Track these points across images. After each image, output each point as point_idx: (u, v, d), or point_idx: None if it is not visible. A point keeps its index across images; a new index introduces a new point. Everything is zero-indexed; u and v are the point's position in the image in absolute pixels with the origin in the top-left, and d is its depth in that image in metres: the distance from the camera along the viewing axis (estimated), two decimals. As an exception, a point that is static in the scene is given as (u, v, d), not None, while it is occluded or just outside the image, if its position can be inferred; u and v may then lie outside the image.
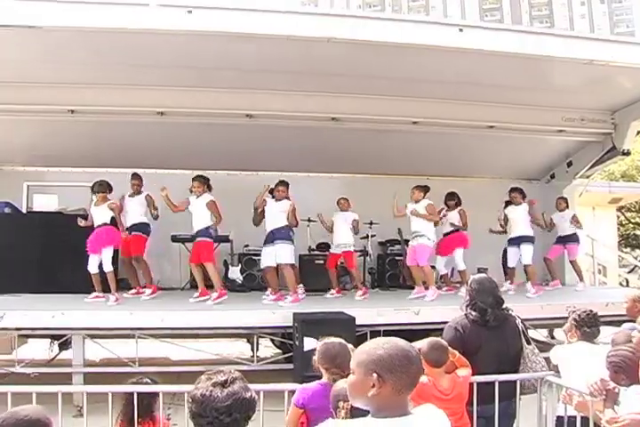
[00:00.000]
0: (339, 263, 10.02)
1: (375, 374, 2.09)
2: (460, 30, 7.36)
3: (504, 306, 4.60)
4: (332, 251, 10.05)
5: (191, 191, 8.68)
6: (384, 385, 2.07)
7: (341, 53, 7.70)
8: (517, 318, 4.63)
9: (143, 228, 9.12)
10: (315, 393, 3.61)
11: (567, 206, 11.09)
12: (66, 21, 6.63)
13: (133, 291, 9.20)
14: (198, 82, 8.87)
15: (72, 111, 9.23)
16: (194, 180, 8.72)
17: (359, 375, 2.15)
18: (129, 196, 9.23)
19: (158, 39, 7.26)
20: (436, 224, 9.55)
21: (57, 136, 9.94)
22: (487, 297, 4.50)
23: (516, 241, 10.00)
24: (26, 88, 8.67)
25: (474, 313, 4.46)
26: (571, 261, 11.21)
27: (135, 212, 9.19)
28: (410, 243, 9.47)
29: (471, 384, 4.14)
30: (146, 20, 6.70)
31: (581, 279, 11.14)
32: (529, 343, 4.57)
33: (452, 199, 10.17)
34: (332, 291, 9.83)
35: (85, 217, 8.85)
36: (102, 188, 8.64)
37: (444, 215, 9.98)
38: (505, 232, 10.34)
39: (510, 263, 10.22)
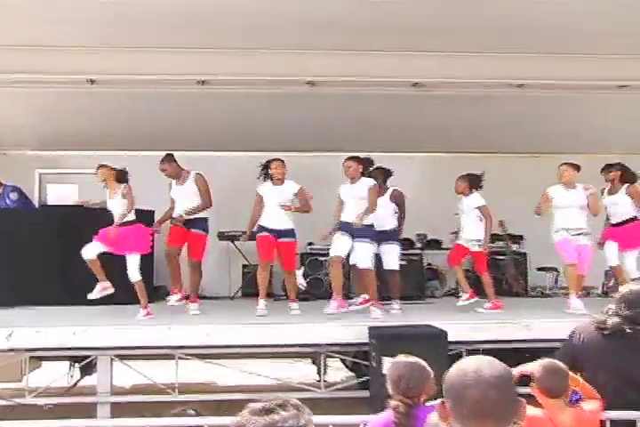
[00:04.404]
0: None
1: (441, 401, 1.86)
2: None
3: None
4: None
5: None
6: (450, 414, 1.79)
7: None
8: None
9: (204, 225, 8.02)
10: None
11: None
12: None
13: (175, 297, 7.95)
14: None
15: (92, 81, 8.68)
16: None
17: None
18: (176, 184, 8.04)
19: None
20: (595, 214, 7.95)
21: (75, 112, 9.32)
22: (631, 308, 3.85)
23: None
24: (36, 53, 8.11)
25: (596, 316, 3.98)
26: None
27: (192, 202, 7.93)
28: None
29: (602, 422, 3.54)
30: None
31: None
32: None
33: (611, 170, 8.06)
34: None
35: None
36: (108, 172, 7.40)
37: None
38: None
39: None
